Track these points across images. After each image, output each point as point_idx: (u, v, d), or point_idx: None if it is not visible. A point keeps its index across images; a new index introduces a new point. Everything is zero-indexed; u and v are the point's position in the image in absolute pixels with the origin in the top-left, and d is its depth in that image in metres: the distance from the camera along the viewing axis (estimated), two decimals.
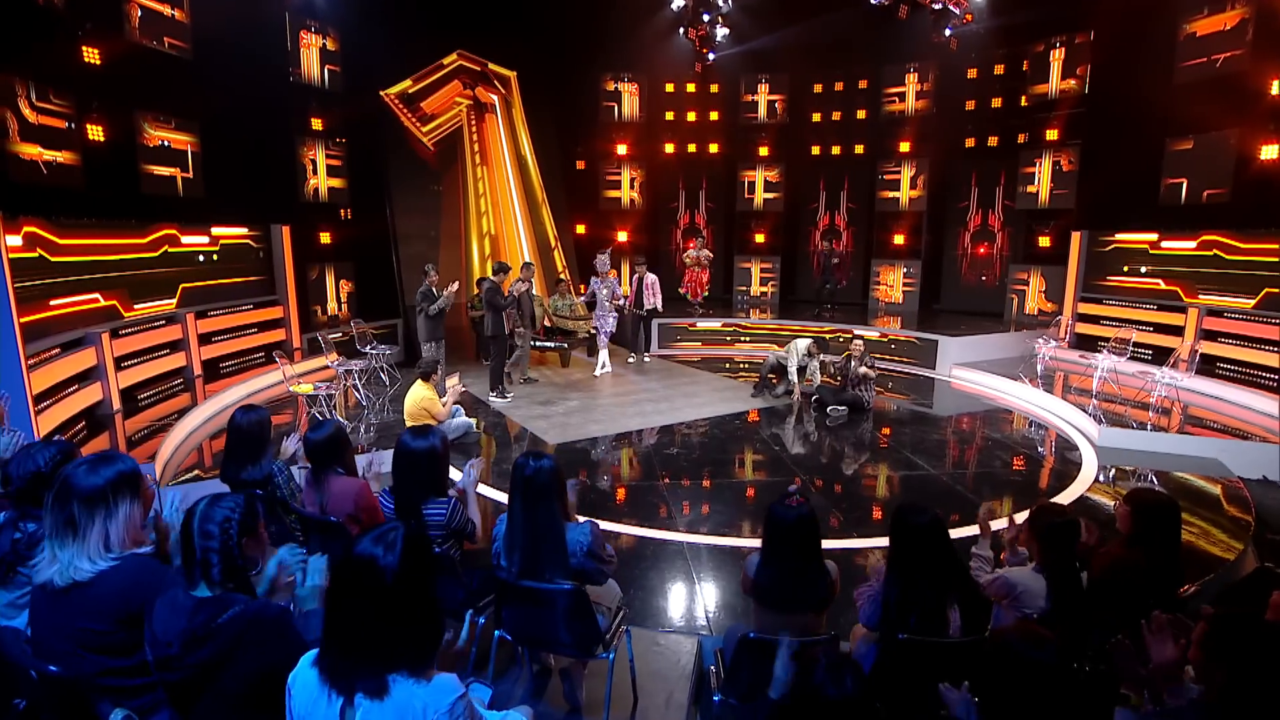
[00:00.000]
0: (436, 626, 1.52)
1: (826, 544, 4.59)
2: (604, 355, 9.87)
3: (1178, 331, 9.28)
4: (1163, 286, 9.84)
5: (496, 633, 2.85)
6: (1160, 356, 8.71)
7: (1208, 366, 8.55)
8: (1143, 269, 10.13)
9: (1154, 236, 9.96)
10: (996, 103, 12.60)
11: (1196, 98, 9.03)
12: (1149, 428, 7.05)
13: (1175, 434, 6.86)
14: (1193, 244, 9.45)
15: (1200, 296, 9.27)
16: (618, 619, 2.89)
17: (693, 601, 4.05)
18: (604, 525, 4.88)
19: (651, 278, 10.55)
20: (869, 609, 2.54)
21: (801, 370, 8.42)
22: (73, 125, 7.01)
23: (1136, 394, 7.99)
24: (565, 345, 10.33)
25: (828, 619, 2.66)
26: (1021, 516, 3.17)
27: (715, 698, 2.62)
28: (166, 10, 8.20)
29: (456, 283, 8.32)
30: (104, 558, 1.90)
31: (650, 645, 3.39)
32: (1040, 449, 7.04)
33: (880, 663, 2.43)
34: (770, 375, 8.59)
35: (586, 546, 2.66)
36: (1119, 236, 10.49)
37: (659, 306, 10.69)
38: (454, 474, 3.53)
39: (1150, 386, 7.76)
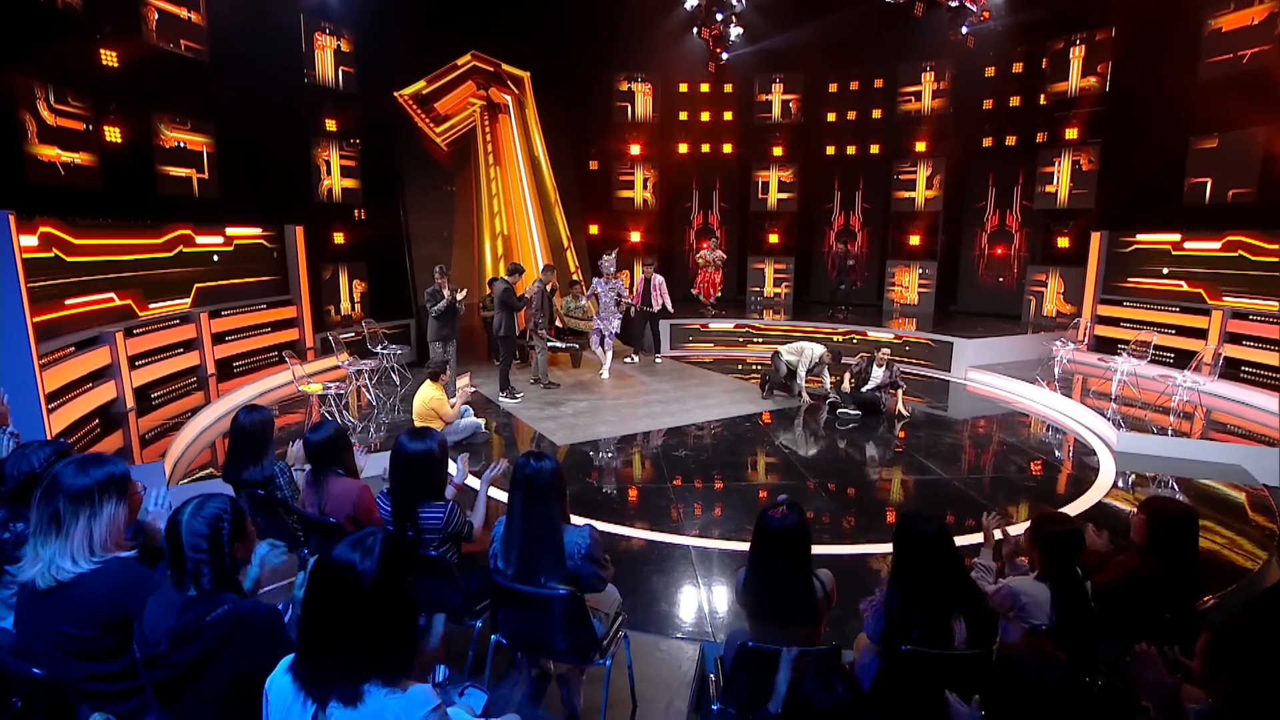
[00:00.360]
0: (413, 635, 1.49)
1: (838, 549, 4.57)
2: (608, 356, 9.83)
3: (1200, 334, 9.08)
4: (1185, 288, 9.63)
5: (494, 637, 2.81)
6: (1182, 360, 8.52)
7: (1232, 370, 8.34)
8: (1164, 270, 9.92)
9: (1177, 237, 9.75)
10: (1015, 101, 12.39)
11: (1222, 95, 8.84)
12: (1170, 433, 6.90)
13: (1197, 439, 6.70)
14: (1217, 244, 9.24)
15: (1224, 298, 9.06)
16: (616, 624, 2.83)
17: (699, 606, 3.99)
18: (610, 528, 4.84)
19: (658, 279, 10.47)
20: (873, 620, 2.47)
21: (809, 371, 8.33)
22: (90, 127, 7.11)
23: (1157, 398, 7.81)
24: (576, 346, 10.32)
25: (828, 629, 2.59)
26: (1018, 529, 3.08)
27: (714, 706, 2.56)
28: (183, 13, 8.30)
29: (465, 290, 8.31)
30: (87, 559, 1.89)
31: (652, 651, 3.34)
32: (1057, 454, 6.90)
33: (882, 674, 2.36)
34: (783, 378, 8.50)
35: (584, 549, 2.61)
36: (1140, 237, 10.28)
37: (669, 307, 10.62)
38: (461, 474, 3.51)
39: (1171, 390, 7.58)
